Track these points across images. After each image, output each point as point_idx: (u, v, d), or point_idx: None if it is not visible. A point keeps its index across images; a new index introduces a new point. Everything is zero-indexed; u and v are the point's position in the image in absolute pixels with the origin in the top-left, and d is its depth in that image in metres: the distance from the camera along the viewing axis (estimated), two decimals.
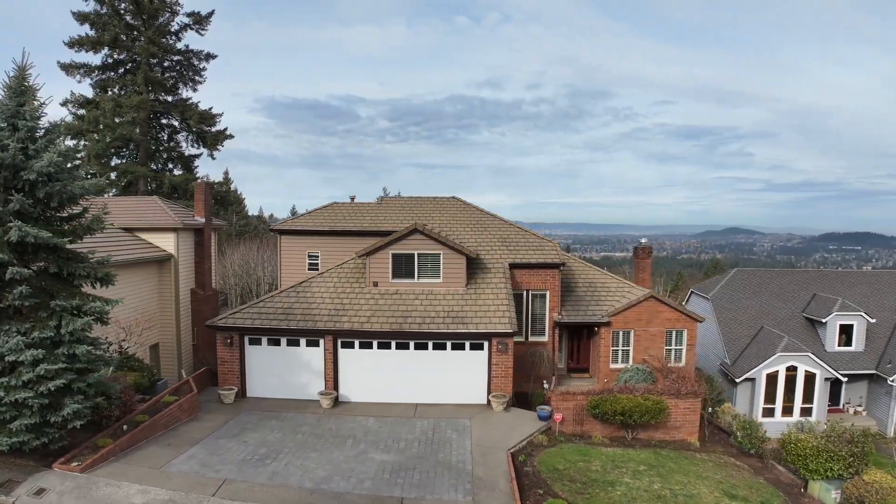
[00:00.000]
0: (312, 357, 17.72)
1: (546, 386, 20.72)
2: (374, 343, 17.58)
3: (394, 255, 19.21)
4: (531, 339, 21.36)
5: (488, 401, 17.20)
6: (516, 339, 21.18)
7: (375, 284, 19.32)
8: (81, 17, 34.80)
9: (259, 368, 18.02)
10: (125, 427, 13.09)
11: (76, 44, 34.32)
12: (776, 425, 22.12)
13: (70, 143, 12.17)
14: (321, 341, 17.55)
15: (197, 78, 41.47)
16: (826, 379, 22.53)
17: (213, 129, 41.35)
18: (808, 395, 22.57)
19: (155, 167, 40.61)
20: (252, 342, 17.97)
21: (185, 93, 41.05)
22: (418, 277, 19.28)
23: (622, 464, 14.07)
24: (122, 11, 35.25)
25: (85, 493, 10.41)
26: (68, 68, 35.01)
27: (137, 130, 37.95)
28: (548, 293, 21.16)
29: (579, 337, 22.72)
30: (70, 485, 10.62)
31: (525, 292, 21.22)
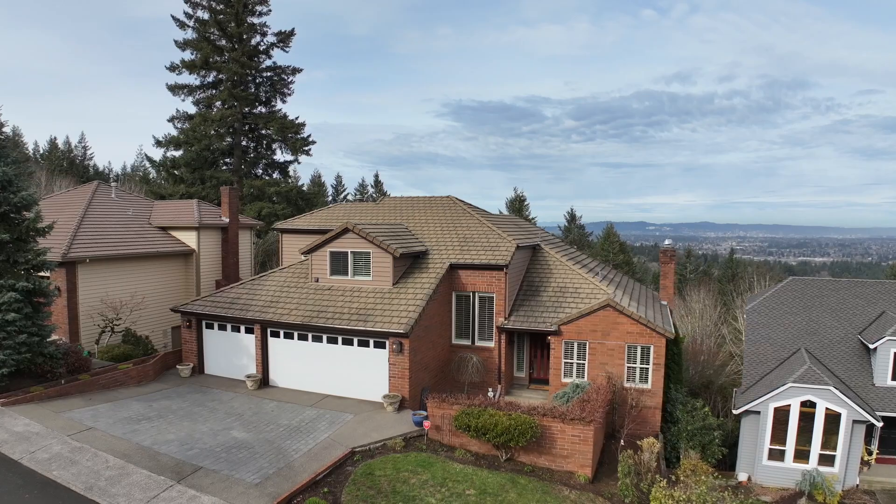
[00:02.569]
0: (250, 343, 20.99)
1: (490, 394, 21.18)
2: (295, 334, 20.17)
3: (331, 253, 21.57)
4: (478, 343, 21.87)
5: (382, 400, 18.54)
6: (463, 342, 22.07)
7: (317, 280, 21.90)
8: (183, 44, 43.68)
9: (213, 349, 21.90)
10: (63, 381, 17.75)
11: (175, 68, 43.20)
12: (787, 472, 19.61)
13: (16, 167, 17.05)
14: (254, 329, 20.73)
15: (286, 91, 48.64)
16: (857, 421, 18.87)
17: (298, 137, 48.00)
18: (831, 440, 19.14)
19: (254, 173, 48.63)
20: (207, 326, 21.94)
21: (277, 104, 48.49)
22: (353, 275, 21.35)
23: (451, 484, 14.07)
24: (210, 37, 43.26)
25: None
26: (173, 89, 44.18)
27: (230, 140, 46.06)
28: (494, 296, 21.46)
29: (540, 346, 22.43)
30: None
31: (472, 294, 21.84)
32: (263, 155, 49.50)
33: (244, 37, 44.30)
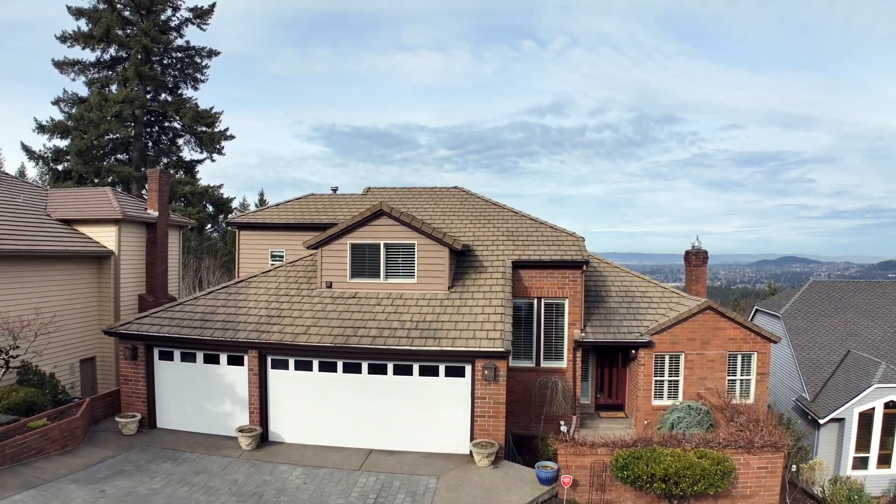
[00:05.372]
0: (236, 379, 14.09)
1: (564, 428, 16.19)
2: (315, 363, 13.72)
3: (353, 246, 15.50)
4: (543, 364, 16.91)
5: (470, 450, 12.90)
6: (524, 364, 16.99)
7: (329, 286, 15.63)
8: (77, 13, 34.14)
9: (172, 391, 14.57)
10: None
11: (68, 38, 33.50)
12: (871, 480, 17.34)
13: None
14: (245, 358, 13.93)
15: (199, 76, 40.34)
16: None
17: (213, 130, 39.81)
18: None
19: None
20: (163, 356, 14.59)
21: (187, 92, 39.93)
22: (386, 277, 15.44)
23: None
24: (117, 5, 34.33)
25: None
26: (61, 66, 34.25)
27: (132, 132, 36.81)
28: (566, 302, 16.74)
29: (611, 364, 18.08)
30: None
31: (535, 301, 16.91)
32: (167, 150, 40.52)
33: (155, 7, 35.75)
